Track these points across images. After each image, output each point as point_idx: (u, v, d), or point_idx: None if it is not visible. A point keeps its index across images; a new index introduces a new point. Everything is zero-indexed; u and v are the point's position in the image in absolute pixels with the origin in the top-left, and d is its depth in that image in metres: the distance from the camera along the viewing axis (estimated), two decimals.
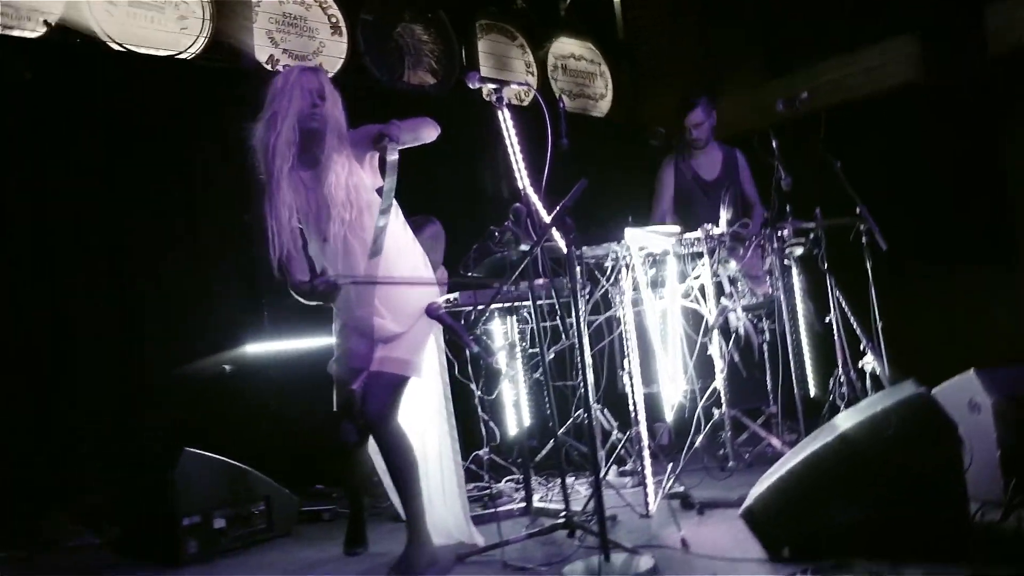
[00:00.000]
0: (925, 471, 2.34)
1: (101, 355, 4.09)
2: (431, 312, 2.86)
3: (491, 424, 4.04)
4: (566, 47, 6.74)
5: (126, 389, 4.16)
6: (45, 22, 4.13)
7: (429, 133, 2.99)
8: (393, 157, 2.81)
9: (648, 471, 3.24)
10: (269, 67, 5.01)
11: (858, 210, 3.95)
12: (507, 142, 3.12)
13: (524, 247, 3.31)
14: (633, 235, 3.38)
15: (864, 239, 3.95)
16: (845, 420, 2.66)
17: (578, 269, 3.61)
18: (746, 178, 4.88)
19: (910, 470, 2.34)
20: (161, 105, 4.38)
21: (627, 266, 3.44)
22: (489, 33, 6.26)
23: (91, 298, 4.12)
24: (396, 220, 2.97)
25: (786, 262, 4.12)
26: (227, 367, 4.25)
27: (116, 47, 4.38)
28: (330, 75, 5.13)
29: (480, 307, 3.46)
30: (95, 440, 4.02)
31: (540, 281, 3.28)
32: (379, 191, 2.92)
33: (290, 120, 2.80)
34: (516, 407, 4.23)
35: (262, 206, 2.83)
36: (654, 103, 6.81)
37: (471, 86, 3.10)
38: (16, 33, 4.06)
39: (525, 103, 6.15)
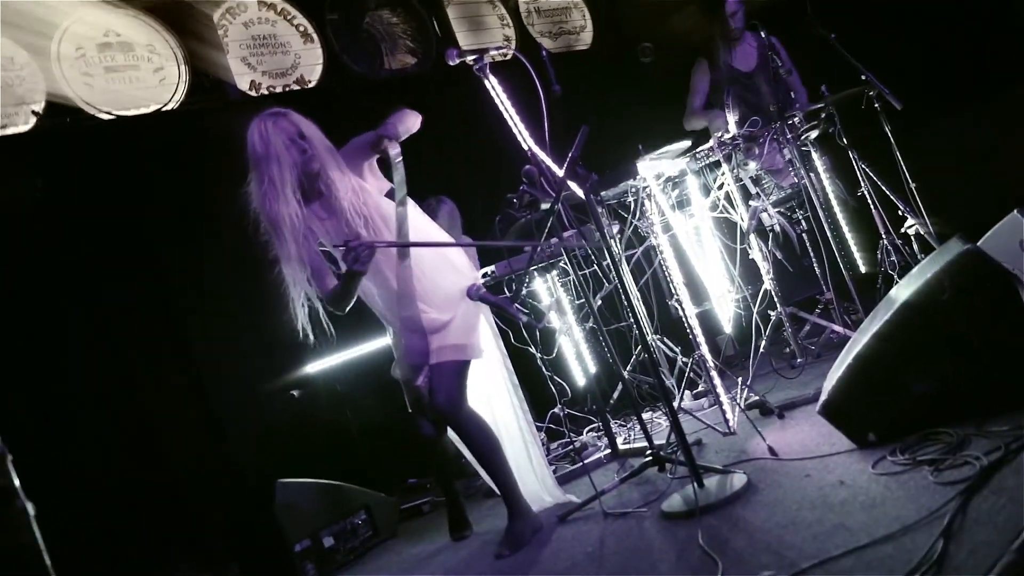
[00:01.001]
0: (990, 325, 2.33)
1: (178, 405, 4.23)
2: (472, 294, 2.90)
3: (558, 380, 4.10)
4: None
5: (205, 430, 4.29)
6: (33, 112, 4.20)
7: (415, 122, 3.01)
8: (395, 151, 2.83)
9: (720, 389, 3.26)
10: (254, 93, 5.03)
11: (864, 77, 3.87)
12: (501, 108, 3.12)
13: (545, 206, 3.32)
14: (646, 166, 3.36)
15: (877, 104, 3.88)
16: (901, 292, 2.65)
17: (601, 211, 3.64)
18: (787, 62, 4.77)
19: (975, 328, 2.33)
20: (171, 157, 4.45)
21: (648, 196, 3.44)
22: None
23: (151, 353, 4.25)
24: (414, 210, 3.00)
25: (804, 148, 4.07)
26: (295, 392, 4.35)
27: (106, 116, 4.44)
28: (312, 83, 5.28)
29: (519, 273, 3.48)
30: (190, 486, 4.16)
31: (568, 233, 3.30)
32: (388, 194, 2.96)
33: (289, 186, 2.78)
34: (579, 358, 4.27)
35: (280, 269, 2.84)
36: (635, 19, 6.69)
37: (451, 63, 3.09)
38: (10, 131, 4.13)
39: (508, 56, 6.09)
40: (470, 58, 3.12)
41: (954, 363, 2.35)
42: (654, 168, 3.47)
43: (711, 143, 3.79)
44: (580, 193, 2.99)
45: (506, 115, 3.11)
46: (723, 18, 4.76)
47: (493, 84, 3.09)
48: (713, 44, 4.86)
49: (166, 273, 4.38)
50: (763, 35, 4.41)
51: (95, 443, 4.00)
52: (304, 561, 3.45)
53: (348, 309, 2.90)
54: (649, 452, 3.04)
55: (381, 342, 4.11)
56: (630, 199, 3.53)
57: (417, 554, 3.41)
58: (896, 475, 2.17)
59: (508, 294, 3.72)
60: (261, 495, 3.57)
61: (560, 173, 2.92)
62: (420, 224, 3.01)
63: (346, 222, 2.85)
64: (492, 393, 3.20)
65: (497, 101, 3.11)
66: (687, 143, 3.88)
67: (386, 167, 2.97)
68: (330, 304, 2.88)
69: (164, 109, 4.66)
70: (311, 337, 2.86)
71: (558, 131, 2.94)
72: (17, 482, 1.66)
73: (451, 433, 3.06)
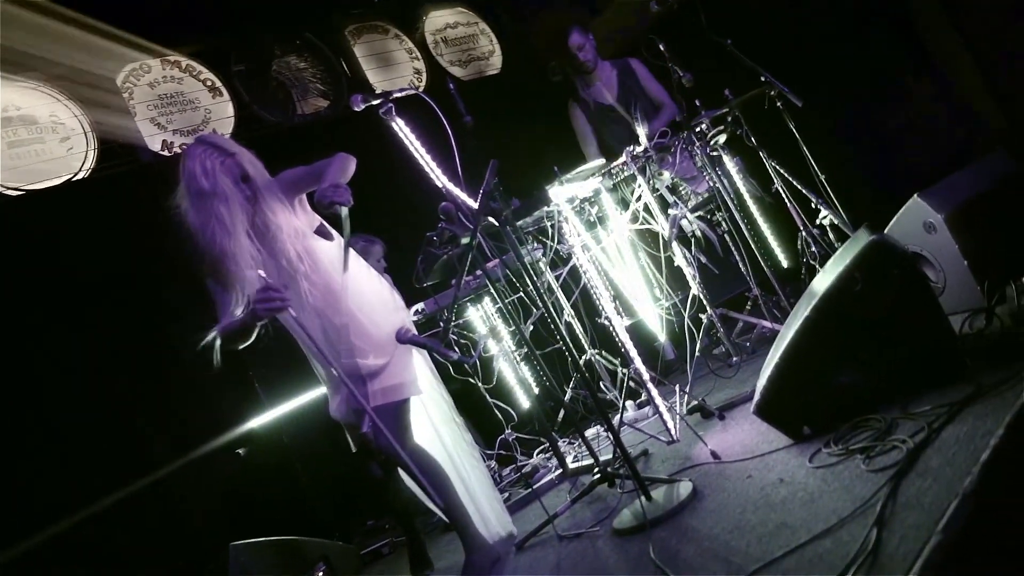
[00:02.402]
0: (901, 309, 2.41)
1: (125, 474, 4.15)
2: (401, 338, 2.89)
3: (503, 406, 4.11)
4: (439, 20, 6.68)
5: (155, 499, 4.21)
6: None
7: (352, 167, 2.98)
8: (344, 213, 2.80)
9: (658, 400, 3.30)
10: (167, 152, 4.97)
11: (763, 78, 3.98)
12: (411, 149, 3.13)
13: (465, 240, 3.34)
14: (558, 191, 3.41)
15: (779, 103, 3.98)
16: (819, 284, 2.73)
17: (528, 236, 3.68)
18: (647, 81, 4.87)
19: (889, 314, 2.41)
20: (86, 229, 4.38)
21: (565, 220, 3.48)
22: (361, 36, 6.20)
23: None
24: (352, 256, 2.98)
25: (715, 152, 4.15)
26: (241, 451, 4.29)
27: (13, 192, 4.34)
28: (227, 135, 5.23)
29: (446, 308, 3.49)
30: (142, 557, 4.07)
31: (491, 264, 3.32)
32: (319, 231, 2.93)
33: (241, 225, 2.75)
34: (521, 382, 4.29)
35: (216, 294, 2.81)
36: (543, 37, 6.77)
37: (357, 110, 3.09)
38: None
39: (420, 89, 6.12)
40: (375, 102, 3.13)
41: (874, 350, 2.43)
42: (567, 192, 3.51)
43: (623, 159, 3.84)
44: (497, 224, 3.02)
45: (416, 155, 3.13)
46: (570, 55, 4.81)
47: (400, 127, 3.10)
48: (577, 83, 4.92)
49: (100, 340, 4.30)
50: (614, 64, 4.49)
51: (43, 514, 3.89)
52: None
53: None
54: (597, 470, 3.06)
55: (321, 390, 4.08)
56: (547, 224, 3.57)
57: None
58: (831, 467, 2.22)
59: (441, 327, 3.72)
60: (215, 561, 3.51)
61: (476, 208, 2.93)
62: (358, 271, 3.00)
63: (285, 262, 2.82)
64: (439, 426, 3.20)
65: (406, 142, 3.13)
66: (601, 160, 3.94)
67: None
68: (226, 341, 2.79)
69: (75, 179, 4.57)
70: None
71: (475, 160, 2.95)
72: None
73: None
